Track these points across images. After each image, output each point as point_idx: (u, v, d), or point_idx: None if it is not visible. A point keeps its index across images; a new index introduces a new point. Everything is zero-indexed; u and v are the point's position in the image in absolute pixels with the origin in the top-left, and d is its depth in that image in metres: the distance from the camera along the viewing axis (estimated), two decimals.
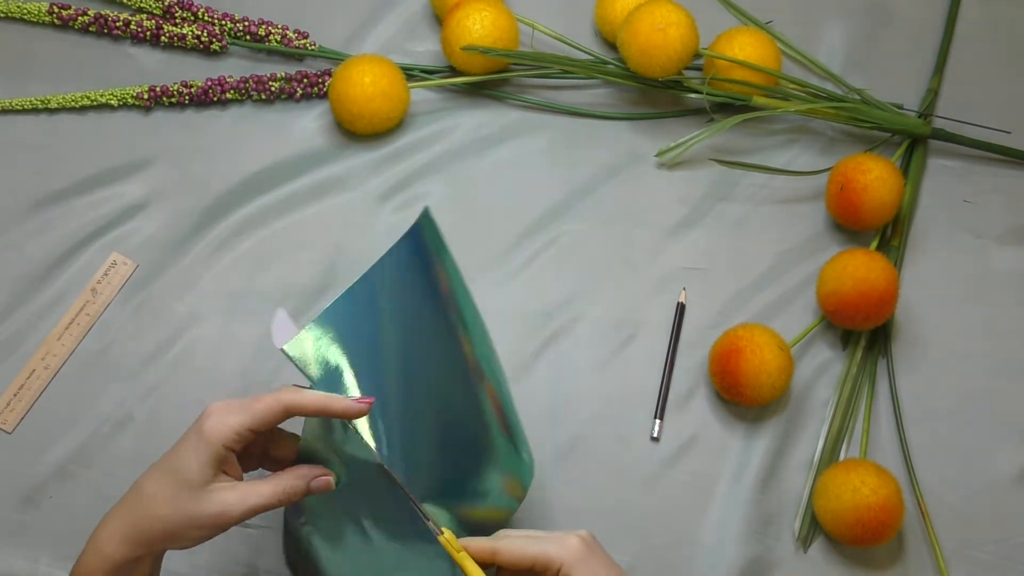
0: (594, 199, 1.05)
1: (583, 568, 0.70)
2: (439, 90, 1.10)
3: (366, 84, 1.02)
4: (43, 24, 1.11)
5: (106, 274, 1.00)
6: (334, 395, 0.71)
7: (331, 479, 0.73)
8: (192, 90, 1.06)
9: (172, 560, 0.90)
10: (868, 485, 0.88)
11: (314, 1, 1.13)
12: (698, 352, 0.98)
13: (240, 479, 0.71)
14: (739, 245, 1.03)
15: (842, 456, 0.95)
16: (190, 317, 0.99)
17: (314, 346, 0.72)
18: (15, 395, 0.95)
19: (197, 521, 0.69)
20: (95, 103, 1.06)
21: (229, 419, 0.68)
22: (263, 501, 0.70)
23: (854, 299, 0.94)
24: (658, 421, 0.96)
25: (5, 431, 0.94)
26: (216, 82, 1.06)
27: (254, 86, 1.07)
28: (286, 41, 1.09)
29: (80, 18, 1.09)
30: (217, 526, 0.69)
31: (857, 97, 1.08)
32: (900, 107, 1.08)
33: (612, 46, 1.10)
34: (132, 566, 0.70)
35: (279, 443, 0.77)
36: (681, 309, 1.00)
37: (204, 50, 1.10)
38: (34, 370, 0.96)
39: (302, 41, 1.09)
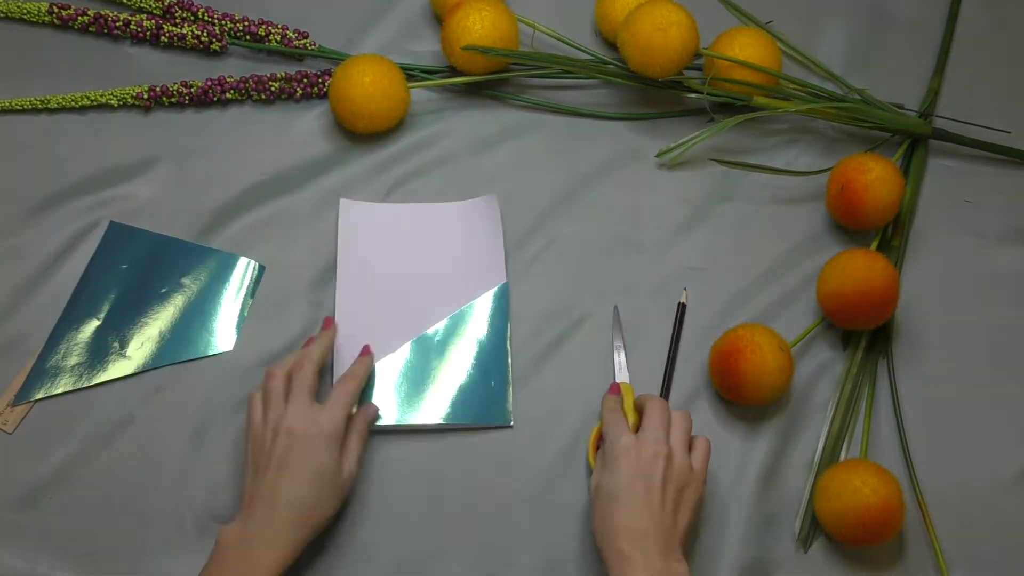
0: (594, 199, 1.05)
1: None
2: (439, 90, 1.10)
3: (366, 84, 1.02)
4: (43, 24, 1.11)
5: None
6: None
7: (376, 408, 0.93)
8: (192, 90, 1.06)
9: (173, 560, 0.90)
10: (868, 485, 0.87)
11: (314, 1, 1.13)
12: (698, 352, 0.98)
13: None
14: (739, 245, 1.03)
15: (842, 456, 0.94)
16: None
17: None
18: (16, 395, 0.95)
19: (341, 498, 0.87)
20: (95, 103, 1.06)
21: (338, 412, 0.87)
22: (358, 453, 0.88)
23: (855, 299, 0.94)
24: None
25: (6, 431, 0.94)
26: (216, 82, 1.06)
27: (254, 86, 1.07)
28: (286, 41, 1.09)
29: (80, 18, 1.09)
30: (347, 492, 0.88)
31: (857, 97, 1.08)
32: (900, 107, 1.08)
33: (612, 46, 1.10)
34: None
35: None
36: (682, 309, 1.00)
37: (204, 50, 1.10)
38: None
39: (302, 41, 1.09)
